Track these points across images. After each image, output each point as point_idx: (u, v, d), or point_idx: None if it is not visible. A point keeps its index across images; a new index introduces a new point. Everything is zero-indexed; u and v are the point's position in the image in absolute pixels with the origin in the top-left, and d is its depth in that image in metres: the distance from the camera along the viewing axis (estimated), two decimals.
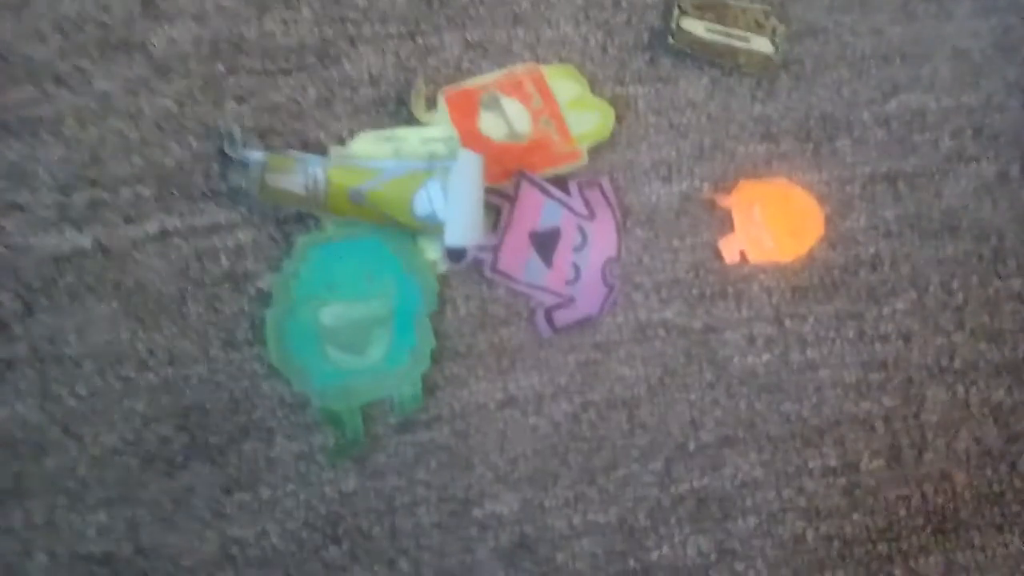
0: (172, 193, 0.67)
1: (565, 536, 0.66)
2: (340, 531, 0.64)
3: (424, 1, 0.72)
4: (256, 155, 0.65)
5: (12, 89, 0.67)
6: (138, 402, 0.64)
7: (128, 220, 0.66)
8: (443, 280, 0.68)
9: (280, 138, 0.68)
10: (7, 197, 0.65)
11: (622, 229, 0.70)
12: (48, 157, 0.66)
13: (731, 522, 0.68)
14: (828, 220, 0.72)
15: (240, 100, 0.68)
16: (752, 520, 0.68)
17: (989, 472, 0.71)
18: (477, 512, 0.66)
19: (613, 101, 0.72)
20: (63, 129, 0.67)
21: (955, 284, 0.73)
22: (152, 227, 0.66)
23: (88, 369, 0.64)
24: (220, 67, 0.69)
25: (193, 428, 0.64)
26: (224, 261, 0.66)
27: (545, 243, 0.69)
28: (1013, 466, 0.71)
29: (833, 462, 0.69)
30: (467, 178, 0.63)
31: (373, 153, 0.68)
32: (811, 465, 0.69)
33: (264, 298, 0.65)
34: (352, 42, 0.71)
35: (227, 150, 0.66)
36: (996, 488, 0.71)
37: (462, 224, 0.64)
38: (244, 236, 0.67)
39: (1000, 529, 0.70)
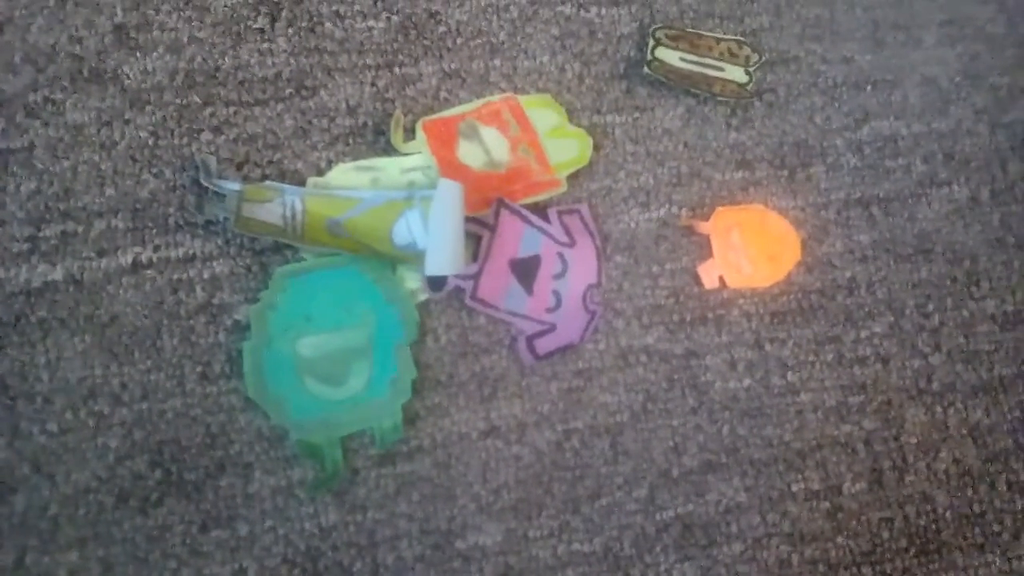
0: (146, 225, 0.66)
1: (550, 567, 0.65)
2: (320, 567, 0.63)
3: (401, 31, 0.72)
4: (233, 185, 0.65)
5: None
6: (112, 438, 0.62)
7: (101, 253, 0.65)
8: (423, 309, 0.67)
9: (257, 169, 0.68)
10: None
11: (602, 256, 0.70)
12: (19, 190, 0.65)
13: (716, 548, 0.67)
14: (804, 245, 0.73)
15: (216, 131, 0.68)
16: (737, 546, 0.67)
17: (970, 492, 0.71)
18: (460, 544, 0.65)
19: (591, 130, 0.72)
20: (34, 161, 0.66)
21: (931, 306, 0.74)
22: (126, 259, 0.65)
23: (60, 405, 0.62)
24: (195, 98, 0.68)
25: (168, 464, 0.63)
26: (200, 293, 0.65)
27: (525, 271, 0.69)
28: (992, 486, 0.71)
29: (816, 486, 0.69)
30: (448, 207, 0.63)
31: (351, 183, 0.68)
32: (794, 489, 0.69)
33: (241, 330, 0.65)
34: (329, 72, 0.71)
35: (203, 181, 0.65)
36: (977, 508, 0.71)
37: (443, 253, 0.63)
38: (220, 267, 0.66)
39: (982, 549, 0.70)
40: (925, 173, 0.77)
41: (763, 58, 0.76)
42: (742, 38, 0.76)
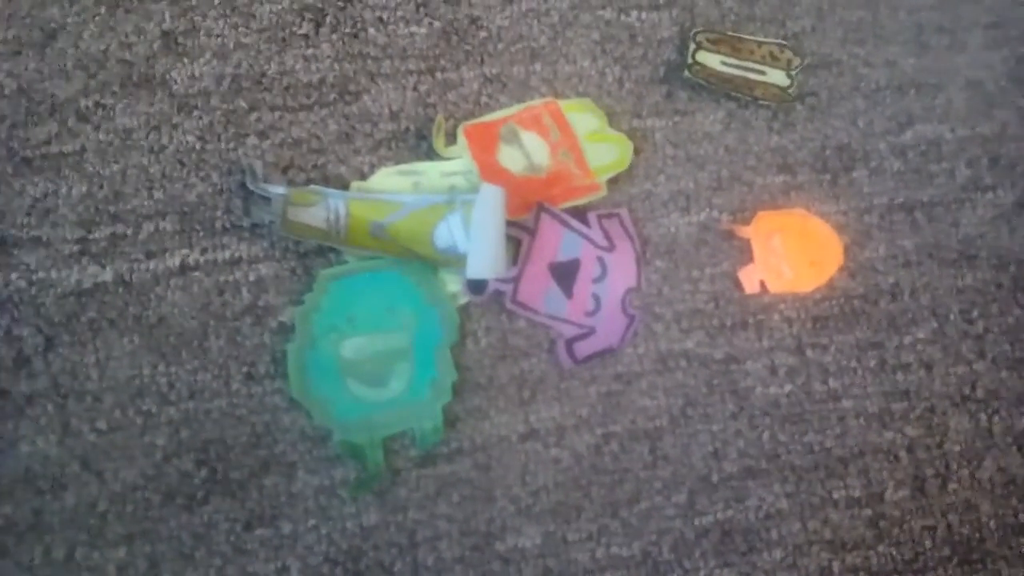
0: (194, 228, 0.67)
1: (588, 570, 0.65)
2: (362, 566, 0.63)
3: (443, 37, 0.73)
4: (278, 190, 0.66)
5: (35, 126, 0.68)
6: (159, 437, 0.64)
7: (149, 255, 0.66)
8: (463, 312, 0.68)
9: (301, 173, 0.69)
10: (29, 233, 0.66)
11: (642, 260, 0.70)
12: (70, 193, 0.67)
13: (756, 555, 0.67)
14: (847, 250, 0.73)
15: (262, 135, 0.69)
16: (778, 553, 0.67)
17: (1014, 501, 0.70)
18: (499, 546, 0.65)
19: (631, 134, 0.72)
20: (85, 165, 0.67)
21: (975, 313, 0.73)
22: (174, 261, 0.66)
23: (109, 404, 0.64)
24: (242, 103, 0.70)
25: (214, 462, 0.64)
26: (245, 295, 0.66)
27: (565, 274, 0.69)
28: None
29: (858, 493, 0.69)
30: (489, 211, 0.64)
31: (393, 187, 0.68)
32: (836, 496, 0.68)
33: (285, 331, 0.65)
34: (372, 78, 0.71)
35: (249, 185, 0.66)
36: (1022, 518, 0.70)
37: (484, 257, 0.64)
38: (265, 270, 0.67)
39: None
40: (969, 178, 0.76)
41: (805, 61, 0.75)
42: (784, 41, 0.76)
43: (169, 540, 0.62)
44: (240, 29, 0.71)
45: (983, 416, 0.71)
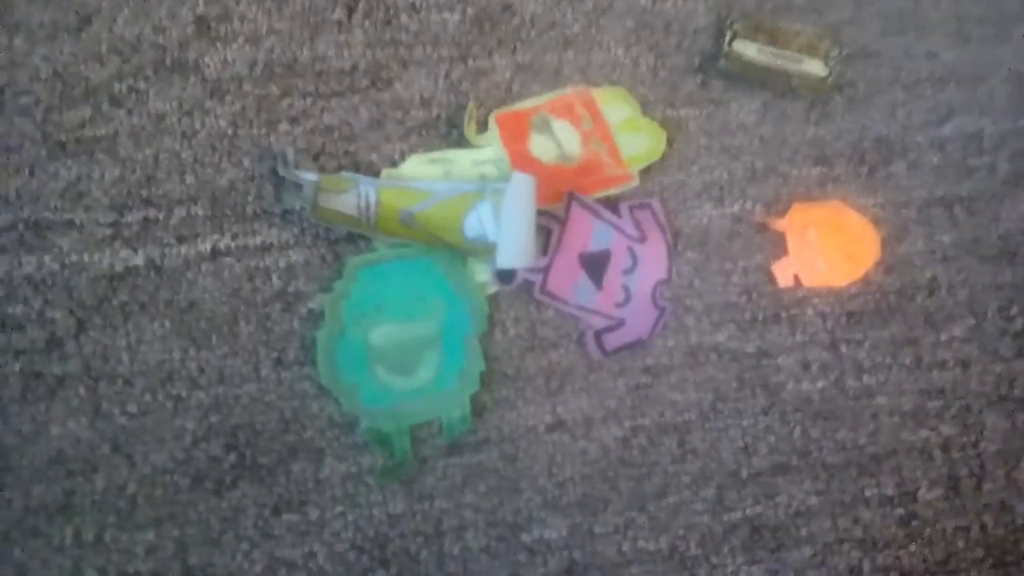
0: (225, 213, 0.67)
1: (615, 563, 0.65)
2: (388, 554, 0.64)
3: (475, 24, 0.72)
4: (310, 176, 0.66)
5: (69, 110, 0.68)
6: (188, 421, 0.64)
7: (181, 240, 0.66)
8: (492, 302, 0.67)
9: (332, 159, 0.69)
10: (63, 216, 0.66)
11: (673, 251, 0.69)
12: (103, 177, 0.67)
13: (785, 552, 0.66)
14: (884, 244, 0.71)
15: (293, 121, 0.69)
16: (807, 550, 0.66)
17: None
18: (525, 537, 0.65)
19: (664, 123, 0.71)
20: (118, 149, 0.68)
21: (1014, 310, 0.72)
22: (205, 247, 0.66)
23: (139, 387, 0.64)
24: (274, 89, 0.69)
25: (243, 448, 0.64)
26: (276, 281, 0.66)
27: (595, 265, 0.68)
28: None
29: (890, 491, 0.68)
30: (520, 200, 0.63)
31: (424, 175, 0.68)
32: (867, 494, 0.67)
33: (315, 318, 0.65)
34: (404, 64, 0.71)
35: (281, 171, 0.66)
36: None
37: (514, 246, 0.63)
38: (296, 256, 0.67)
39: None
40: (1010, 172, 0.74)
41: (843, 52, 0.74)
42: (822, 31, 0.74)
43: (197, 524, 0.63)
44: (273, 15, 0.71)
45: (1020, 416, 0.70)
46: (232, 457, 0.64)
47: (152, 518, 0.63)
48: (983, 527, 0.68)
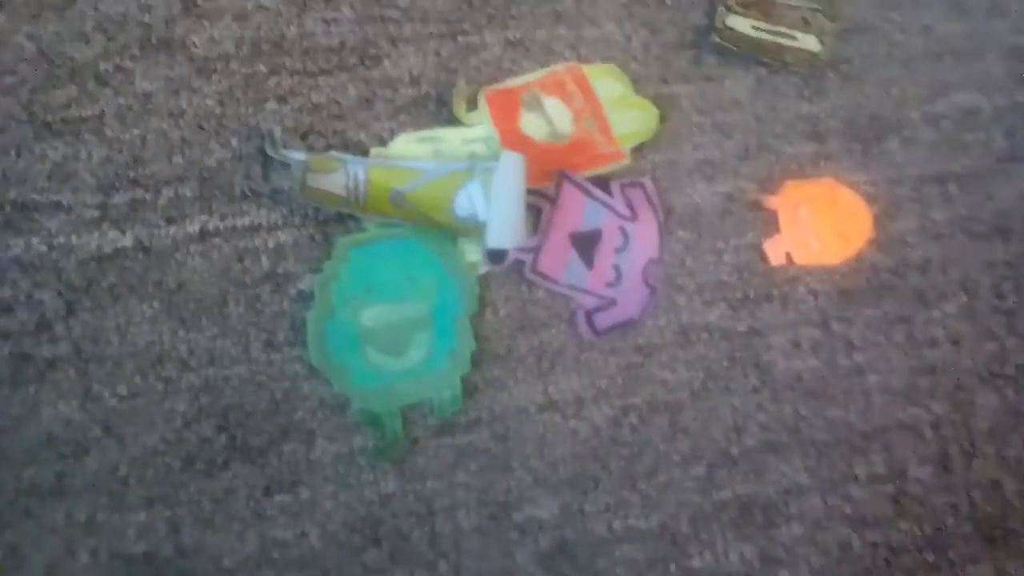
0: (213, 193, 0.67)
1: (605, 541, 0.65)
2: (380, 533, 0.64)
3: (465, 0, 0.71)
4: (298, 155, 0.65)
5: (55, 90, 0.67)
6: (179, 402, 0.64)
7: (169, 220, 0.66)
8: (483, 282, 0.67)
9: (321, 138, 0.68)
10: (50, 197, 0.66)
11: (664, 230, 0.69)
12: (90, 157, 0.66)
13: (775, 529, 0.66)
14: (876, 221, 0.71)
15: (281, 100, 0.68)
16: (797, 527, 0.67)
17: None
18: (517, 516, 0.65)
19: (657, 100, 0.71)
20: (105, 129, 0.67)
21: (1006, 287, 0.71)
22: (193, 227, 0.66)
23: (129, 369, 0.64)
24: (261, 67, 0.69)
25: (233, 429, 0.64)
26: (265, 262, 0.66)
27: (586, 244, 0.68)
28: None
29: (880, 469, 0.68)
30: (509, 179, 0.63)
31: (414, 153, 0.68)
32: (857, 472, 0.68)
33: (305, 299, 0.65)
34: (393, 42, 0.70)
35: (268, 150, 0.66)
36: None
37: (504, 226, 0.63)
38: (285, 237, 0.66)
39: None
40: (1006, 148, 0.74)
41: (838, 27, 0.73)
42: (817, 6, 0.73)
43: (189, 505, 0.63)
44: None
45: (1011, 393, 0.70)
46: (223, 438, 0.64)
47: (144, 499, 0.63)
48: (973, 504, 0.68)
